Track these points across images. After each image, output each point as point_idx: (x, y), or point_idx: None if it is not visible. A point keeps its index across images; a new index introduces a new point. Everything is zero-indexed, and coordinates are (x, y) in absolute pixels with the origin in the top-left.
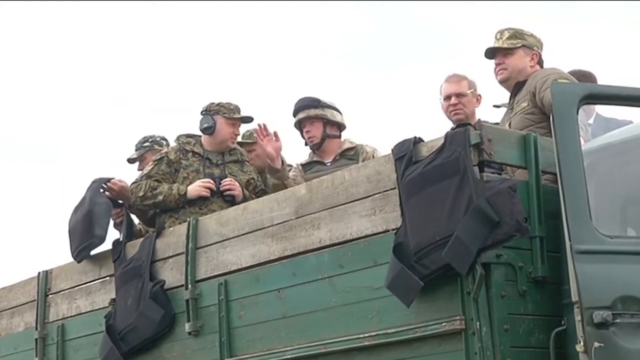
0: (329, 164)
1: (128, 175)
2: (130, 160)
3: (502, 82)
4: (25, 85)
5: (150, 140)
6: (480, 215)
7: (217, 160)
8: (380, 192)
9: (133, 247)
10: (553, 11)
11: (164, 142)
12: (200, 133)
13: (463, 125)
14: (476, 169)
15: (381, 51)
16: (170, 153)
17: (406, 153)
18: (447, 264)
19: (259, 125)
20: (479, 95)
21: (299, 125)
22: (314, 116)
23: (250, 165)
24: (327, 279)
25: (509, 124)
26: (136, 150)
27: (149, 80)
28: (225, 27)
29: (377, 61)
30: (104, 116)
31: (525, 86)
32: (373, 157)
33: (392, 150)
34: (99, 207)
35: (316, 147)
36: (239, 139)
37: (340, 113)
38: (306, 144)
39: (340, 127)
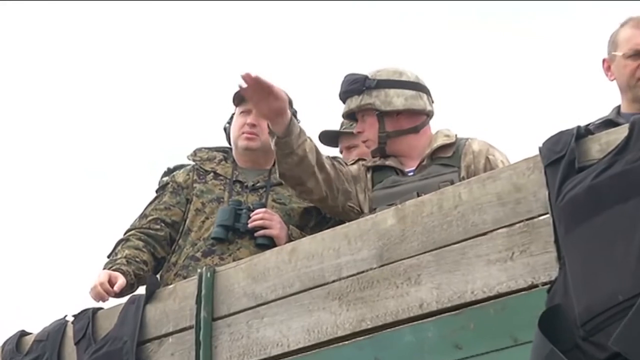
0: (411, 174)
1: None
2: None
3: None
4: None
5: None
6: None
7: (256, 182)
8: (521, 221)
9: (108, 319)
10: None
11: None
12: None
13: None
14: None
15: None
16: (179, 175)
17: (564, 154)
18: None
19: (245, 76)
20: None
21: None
22: (357, 108)
23: None
24: None
25: None
26: None
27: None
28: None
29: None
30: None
31: None
32: (487, 158)
33: (540, 149)
34: None
35: (377, 155)
36: None
37: (416, 89)
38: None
39: (420, 112)
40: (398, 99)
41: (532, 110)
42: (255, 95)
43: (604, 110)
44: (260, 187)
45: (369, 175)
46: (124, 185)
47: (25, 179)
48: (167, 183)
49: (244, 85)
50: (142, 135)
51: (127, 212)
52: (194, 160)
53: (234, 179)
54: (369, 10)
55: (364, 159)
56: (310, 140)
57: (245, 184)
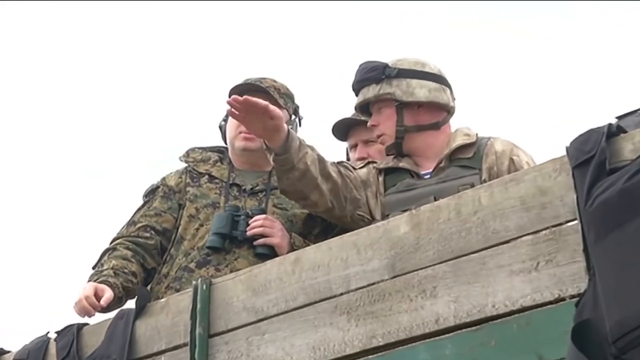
0: (427, 177)
1: None
2: None
3: None
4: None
5: None
6: None
7: (255, 185)
8: (546, 228)
9: (94, 336)
10: None
11: None
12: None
13: None
14: None
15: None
16: (170, 178)
17: (594, 154)
18: None
19: (231, 101)
20: None
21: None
22: (375, 98)
23: None
24: None
25: None
26: None
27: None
28: None
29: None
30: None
31: None
32: (511, 159)
33: (568, 149)
34: None
35: (392, 151)
36: None
37: (439, 82)
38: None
39: (443, 107)
40: (421, 90)
41: (532, 110)
42: (248, 116)
43: (604, 110)
44: (260, 191)
45: (380, 179)
46: (124, 185)
47: (25, 179)
48: (158, 187)
49: (235, 111)
50: (142, 135)
51: (127, 213)
52: (186, 162)
53: (231, 182)
54: (369, 10)
55: (375, 162)
56: (312, 150)
57: (243, 188)
